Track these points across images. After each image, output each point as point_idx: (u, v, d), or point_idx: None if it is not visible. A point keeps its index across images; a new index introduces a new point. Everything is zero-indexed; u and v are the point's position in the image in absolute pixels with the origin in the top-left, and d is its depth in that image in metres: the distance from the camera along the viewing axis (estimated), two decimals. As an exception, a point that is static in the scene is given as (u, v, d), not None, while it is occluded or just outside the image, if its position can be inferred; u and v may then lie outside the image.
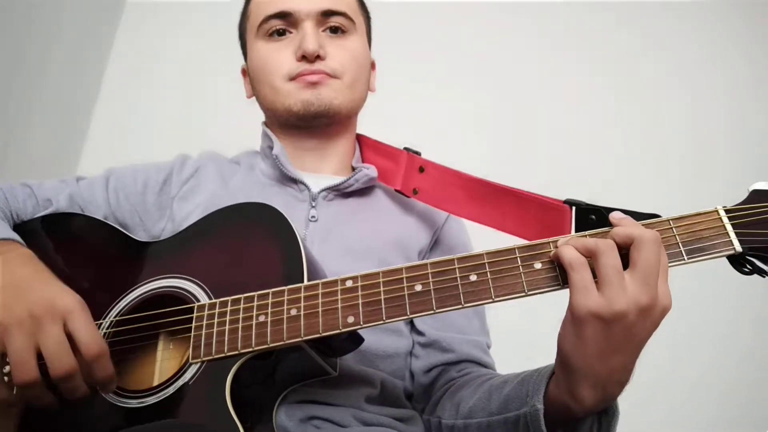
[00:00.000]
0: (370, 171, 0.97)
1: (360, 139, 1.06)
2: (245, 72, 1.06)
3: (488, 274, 0.62)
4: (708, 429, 1.59)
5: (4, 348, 0.63)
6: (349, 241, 0.89)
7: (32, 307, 0.64)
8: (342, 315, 0.64)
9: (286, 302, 0.66)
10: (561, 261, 0.59)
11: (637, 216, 0.64)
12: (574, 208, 0.78)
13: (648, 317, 0.57)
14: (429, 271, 0.64)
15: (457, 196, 0.92)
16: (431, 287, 0.63)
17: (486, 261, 0.63)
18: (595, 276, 0.58)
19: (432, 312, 0.62)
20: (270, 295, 0.67)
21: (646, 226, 0.61)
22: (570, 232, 0.78)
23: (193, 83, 1.92)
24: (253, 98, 1.05)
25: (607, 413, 0.63)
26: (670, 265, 0.60)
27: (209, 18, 1.98)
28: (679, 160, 1.87)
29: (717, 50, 2.00)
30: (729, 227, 0.61)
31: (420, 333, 0.90)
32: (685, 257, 0.60)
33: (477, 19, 2.03)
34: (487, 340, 0.94)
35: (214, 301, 0.69)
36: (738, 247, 0.60)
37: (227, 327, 0.67)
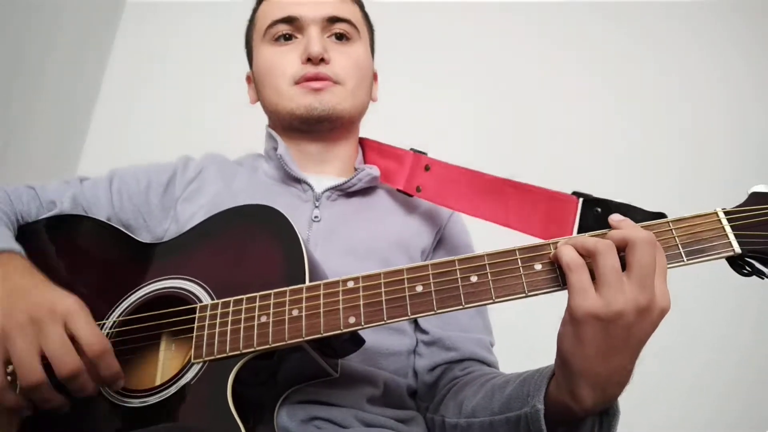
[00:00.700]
0: (373, 170, 0.97)
1: (363, 142, 1.07)
2: (250, 79, 1.08)
3: (489, 275, 0.62)
4: (708, 429, 1.59)
5: (7, 353, 0.63)
6: (352, 241, 0.89)
7: (32, 311, 0.64)
8: (343, 315, 0.64)
9: (287, 303, 0.66)
10: (559, 262, 0.60)
11: (643, 213, 0.65)
12: (581, 199, 0.79)
13: (646, 318, 0.57)
14: (430, 272, 0.64)
15: (461, 191, 0.93)
16: (432, 288, 0.63)
17: (487, 262, 0.63)
18: (594, 277, 0.58)
19: (433, 312, 0.62)
20: (272, 296, 0.67)
21: (646, 227, 0.61)
22: (574, 225, 0.79)
23: (193, 83, 1.92)
24: (256, 103, 1.06)
25: (608, 413, 0.63)
26: (669, 266, 0.60)
27: (209, 18, 1.98)
28: (679, 161, 1.87)
29: (717, 50, 2.00)
30: (728, 229, 0.61)
31: (423, 331, 0.91)
32: (685, 258, 0.60)
33: (477, 19, 2.03)
34: (491, 338, 0.94)
35: (216, 301, 0.70)
36: (737, 249, 0.60)
37: (229, 327, 0.67)
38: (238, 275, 0.72)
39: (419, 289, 0.63)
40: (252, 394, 0.69)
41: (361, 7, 1.06)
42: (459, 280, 0.63)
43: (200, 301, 0.71)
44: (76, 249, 0.85)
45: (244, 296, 0.68)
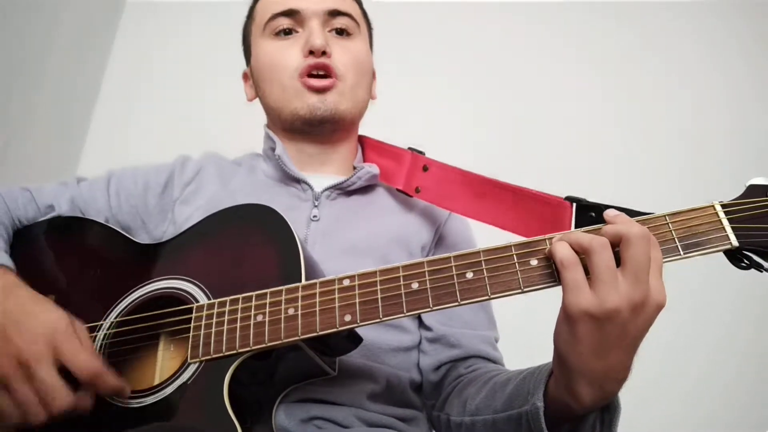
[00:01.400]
0: (372, 169, 0.97)
1: (362, 140, 1.07)
2: (246, 76, 1.07)
3: (484, 271, 0.62)
4: (707, 429, 1.59)
5: (7, 396, 0.64)
6: (351, 240, 0.89)
7: (19, 353, 0.64)
8: (339, 314, 0.64)
9: (283, 302, 0.66)
10: (553, 259, 0.60)
11: (635, 215, 0.64)
12: (574, 204, 0.79)
13: (641, 314, 0.57)
14: (425, 269, 0.64)
15: (459, 193, 0.93)
16: (428, 285, 0.63)
17: (482, 258, 0.63)
18: (588, 273, 0.58)
19: (429, 309, 0.62)
20: (268, 295, 0.67)
21: (641, 221, 0.61)
22: (570, 229, 0.79)
23: (193, 83, 1.92)
24: (254, 100, 1.05)
25: (609, 409, 0.63)
26: (666, 260, 0.60)
27: (209, 18, 1.98)
28: (678, 160, 1.86)
29: (717, 50, 2.00)
30: (725, 222, 0.61)
31: (427, 328, 0.90)
32: (682, 252, 0.60)
33: (477, 19, 2.03)
34: (495, 333, 0.94)
35: (212, 301, 0.70)
36: (734, 242, 0.60)
37: (225, 327, 0.67)
38: (235, 275, 0.72)
39: (415, 286, 0.63)
40: (249, 394, 0.68)
41: (360, 3, 1.06)
42: (454, 276, 0.62)
43: (197, 301, 0.71)
44: (74, 251, 0.86)
45: (240, 296, 0.68)
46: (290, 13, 0.96)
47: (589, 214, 0.75)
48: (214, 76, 1.84)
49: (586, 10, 2.03)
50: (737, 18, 2.03)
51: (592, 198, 0.79)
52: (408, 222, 0.96)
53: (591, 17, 2.04)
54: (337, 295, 0.65)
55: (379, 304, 0.63)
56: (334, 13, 0.97)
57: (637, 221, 0.61)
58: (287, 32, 0.96)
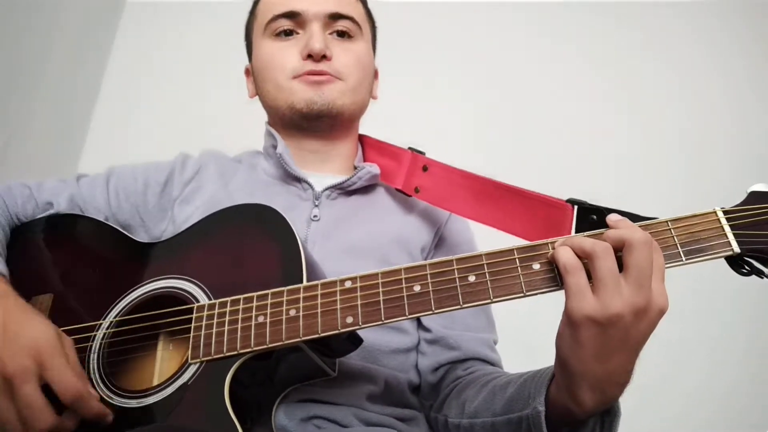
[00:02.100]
0: (373, 168, 0.97)
1: (362, 139, 1.07)
2: (248, 72, 1.07)
3: (487, 275, 0.62)
4: (708, 429, 1.59)
5: None
6: (351, 240, 0.89)
7: (3, 367, 0.62)
8: (341, 315, 0.64)
9: (285, 303, 0.66)
10: (556, 264, 0.60)
11: (636, 219, 0.64)
12: (576, 207, 0.79)
13: (644, 319, 0.57)
14: (428, 272, 0.64)
15: (459, 194, 0.93)
16: (430, 288, 0.63)
17: (485, 262, 0.63)
18: (591, 278, 0.58)
19: (431, 312, 0.62)
20: (269, 296, 0.67)
21: (644, 227, 0.61)
22: (571, 232, 0.79)
23: (193, 83, 1.92)
24: (254, 98, 1.05)
25: (609, 413, 0.63)
26: (668, 265, 0.60)
27: (209, 18, 1.98)
28: (679, 161, 1.86)
29: (717, 50, 2.00)
30: (727, 228, 0.61)
31: (426, 329, 0.90)
32: (683, 258, 0.60)
33: (477, 19, 2.03)
34: (494, 336, 0.94)
35: (213, 301, 0.70)
36: (736, 248, 0.60)
37: (226, 327, 0.67)
38: (236, 275, 0.72)
39: (417, 288, 0.63)
40: (249, 395, 0.68)
41: (364, 2, 1.05)
42: (457, 279, 0.62)
43: (197, 301, 0.71)
44: (73, 249, 0.85)
45: (241, 296, 0.68)
46: (291, 15, 0.96)
47: (591, 217, 0.75)
48: (213, 76, 1.84)
49: (586, 10, 2.03)
50: (737, 18, 2.03)
51: (592, 198, 0.79)
52: (408, 223, 0.96)
53: (591, 17, 2.03)
54: (338, 297, 0.65)
55: (381, 306, 0.63)
56: (336, 16, 0.96)
57: (639, 226, 0.61)
58: (288, 33, 0.96)
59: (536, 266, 0.61)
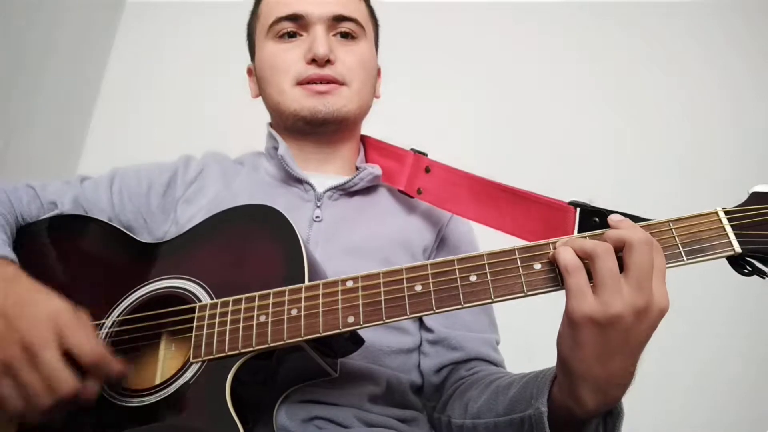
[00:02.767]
0: (375, 169, 0.97)
1: (365, 140, 1.07)
2: (251, 71, 1.06)
3: (488, 274, 0.62)
4: (708, 429, 1.59)
5: (11, 382, 0.63)
6: (353, 241, 0.89)
7: (24, 336, 0.63)
8: (342, 315, 0.64)
9: (286, 302, 0.66)
10: (557, 264, 0.60)
11: (637, 220, 0.65)
12: (578, 209, 0.79)
13: (645, 320, 0.57)
14: (429, 271, 0.64)
15: (461, 196, 0.93)
16: (431, 288, 0.63)
17: (486, 262, 0.63)
18: (591, 278, 0.58)
19: (432, 312, 0.62)
20: (271, 296, 0.67)
21: (645, 228, 0.61)
22: (573, 234, 0.78)
23: (193, 83, 1.92)
24: (256, 99, 1.05)
25: (612, 414, 0.63)
26: (669, 265, 0.60)
27: (209, 18, 1.98)
28: (679, 161, 1.87)
29: (717, 50, 2.00)
30: (728, 228, 0.61)
31: (428, 330, 0.90)
32: (685, 258, 0.60)
33: (477, 19, 2.03)
34: (496, 336, 0.94)
35: (215, 301, 0.70)
36: (737, 248, 0.60)
37: (228, 327, 0.67)
38: (238, 275, 0.72)
39: (418, 288, 0.63)
40: (251, 394, 0.68)
41: (367, 1, 1.05)
42: (458, 279, 0.63)
43: (199, 301, 0.71)
44: (76, 249, 0.85)
45: (243, 296, 0.68)
46: (295, 18, 0.95)
47: (593, 219, 0.75)
48: (214, 76, 1.85)
49: (586, 10, 2.03)
50: (737, 18, 2.03)
51: (592, 198, 0.79)
52: (410, 224, 0.96)
53: (591, 17, 2.04)
54: (340, 297, 0.65)
55: (383, 305, 0.63)
56: (339, 19, 0.96)
57: (640, 227, 0.61)
58: (291, 35, 0.96)
59: (537, 266, 0.61)
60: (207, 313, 0.69)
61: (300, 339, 0.64)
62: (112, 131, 1.89)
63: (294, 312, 0.65)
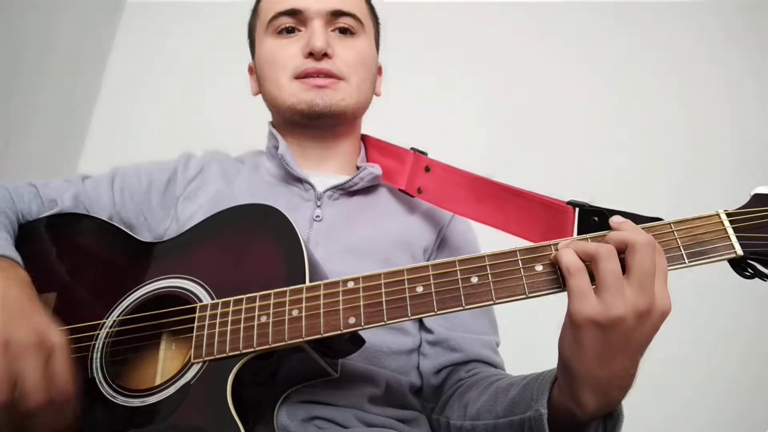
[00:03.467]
0: (375, 169, 0.97)
1: (365, 139, 1.07)
2: (252, 70, 1.07)
3: (489, 276, 0.62)
4: (708, 429, 1.59)
5: (13, 370, 0.61)
6: (354, 241, 0.89)
7: (32, 334, 0.63)
8: (343, 316, 0.64)
9: (287, 303, 0.66)
10: (559, 266, 0.60)
11: (638, 219, 0.65)
12: (577, 209, 0.79)
13: (647, 322, 0.57)
14: (430, 272, 0.64)
15: (461, 195, 0.93)
16: (432, 289, 0.63)
17: (487, 263, 0.63)
18: (593, 280, 0.58)
19: (433, 313, 0.62)
20: (272, 296, 0.67)
21: (647, 230, 0.61)
22: (572, 234, 0.78)
23: (194, 83, 1.92)
24: (255, 98, 1.05)
25: (612, 416, 0.63)
26: (671, 268, 0.60)
27: (209, 18, 1.98)
28: (680, 161, 1.87)
29: (717, 50, 2.00)
30: (730, 231, 0.61)
31: (428, 330, 0.90)
32: (686, 260, 0.60)
33: (477, 19, 2.03)
34: (496, 338, 0.94)
35: (216, 301, 0.70)
36: (739, 251, 0.60)
37: (229, 327, 0.67)
38: (238, 275, 0.72)
39: (420, 289, 0.63)
40: (252, 394, 0.68)
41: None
42: (459, 281, 0.62)
43: (200, 301, 0.71)
44: (77, 248, 0.85)
45: (244, 296, 0.68)
46: (293, 13, 0.95)
47: (592, 218, 0.75)
48: (214, 76, 1.85)
49: (586, 10, 2.03)
50: (737, 18, 2.03)
51: (593, 199, 0.79)
52: (411, 224, 0.96)
53: (591, 17, 2.04)
54: (341, 297, 0.65)
55: (384, 307, 0.63)
56: (338, 14, 0.96)
57: (642, 228, 0.61)
58: (290, 31, 0.96)
59: (539, 268, 0.61)
60: (208, 313, 0.69)
61: (301, 340, 0.64)
62: (112, 131, 1.89)
63: (295, 312, 0.65)
